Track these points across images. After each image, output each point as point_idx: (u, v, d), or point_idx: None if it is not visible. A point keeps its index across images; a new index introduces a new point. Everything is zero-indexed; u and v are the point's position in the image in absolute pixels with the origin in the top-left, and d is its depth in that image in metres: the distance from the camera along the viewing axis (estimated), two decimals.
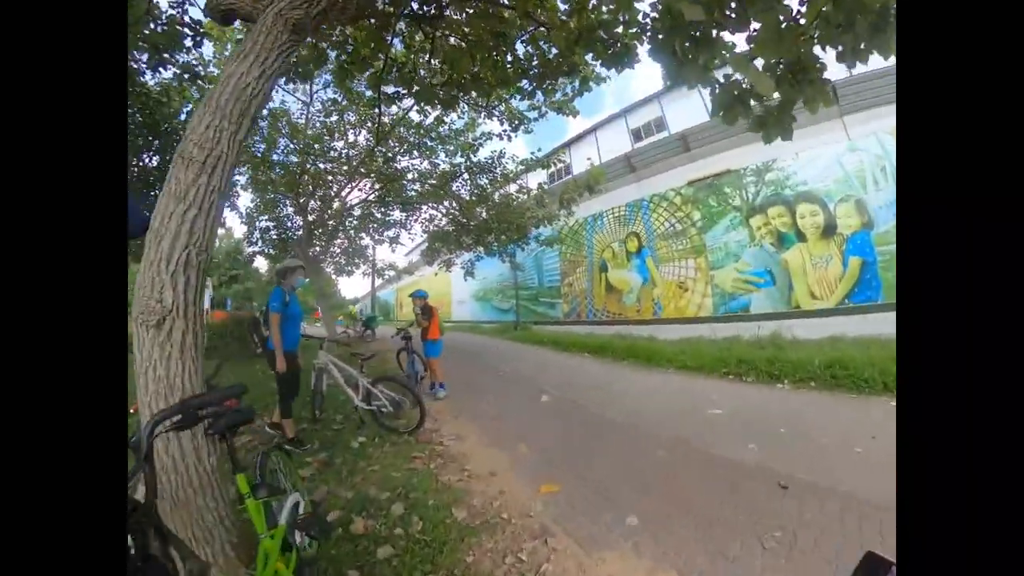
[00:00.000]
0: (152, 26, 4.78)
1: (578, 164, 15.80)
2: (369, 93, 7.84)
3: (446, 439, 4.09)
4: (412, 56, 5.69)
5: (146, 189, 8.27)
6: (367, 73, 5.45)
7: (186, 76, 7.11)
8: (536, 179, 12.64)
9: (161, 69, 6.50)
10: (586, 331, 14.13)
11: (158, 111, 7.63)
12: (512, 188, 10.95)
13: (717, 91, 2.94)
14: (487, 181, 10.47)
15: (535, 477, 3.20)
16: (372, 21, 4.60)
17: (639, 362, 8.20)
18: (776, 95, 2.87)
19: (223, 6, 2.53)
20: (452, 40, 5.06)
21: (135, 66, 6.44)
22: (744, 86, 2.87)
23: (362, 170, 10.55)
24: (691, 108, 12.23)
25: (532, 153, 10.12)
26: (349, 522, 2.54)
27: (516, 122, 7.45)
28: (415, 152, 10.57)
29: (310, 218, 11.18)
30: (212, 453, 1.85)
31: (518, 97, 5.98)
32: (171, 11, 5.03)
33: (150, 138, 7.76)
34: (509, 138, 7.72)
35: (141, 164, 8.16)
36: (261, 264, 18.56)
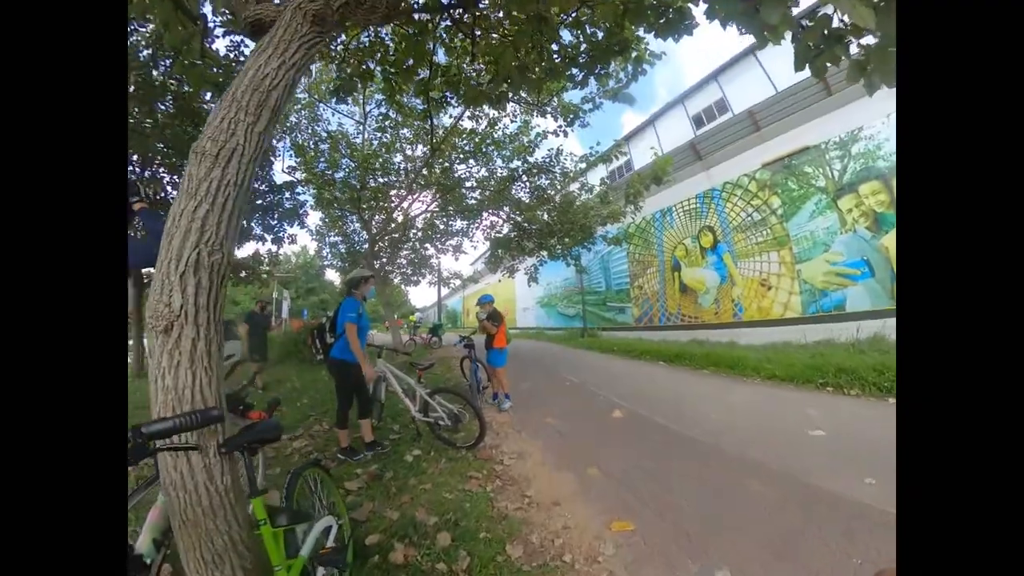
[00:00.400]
0: (213, 70, 5.12)
1: (639, 159, 15.01)
2: (422, 106, 8.00)
3: (507, 457, 3.77)
4: (455, 60, 5.60)
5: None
6: (415, 81, 5.42)
7: None
8: (597, 176, 12.14)
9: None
10: (659, 337, 13.28)
11: None
12: (573, 187, 10.53)
13: (800, 36, 2.41)
14: (546, 181, 10.17)
15: (605, 509, 2.78)
16: (411, 31, 4.54)
17: (720, 371, 7.42)
18: (872, 39, 2.28)
19: (251, 18, 2.48)
20: (494, 36, 4.86)
21: (206, 107, 7.15)
22: (835, 24, 2.33)
23: (420, 182, 10.73)
24: (754, 82, 11.12)
25: (591, 148, 9.64)
26: (389, 549, 2.31)
27: (571, 116, 7.12)
28: (472, 160, 10.58)
29: (374, 231, 11.52)
30: (227, 472, 1.68)
31: (570, 86, 5.65)
32: (228, 54, 5.35)
33: None
34: (565, 133, 7.40)
35: None
36: (334, 277, 19.84)
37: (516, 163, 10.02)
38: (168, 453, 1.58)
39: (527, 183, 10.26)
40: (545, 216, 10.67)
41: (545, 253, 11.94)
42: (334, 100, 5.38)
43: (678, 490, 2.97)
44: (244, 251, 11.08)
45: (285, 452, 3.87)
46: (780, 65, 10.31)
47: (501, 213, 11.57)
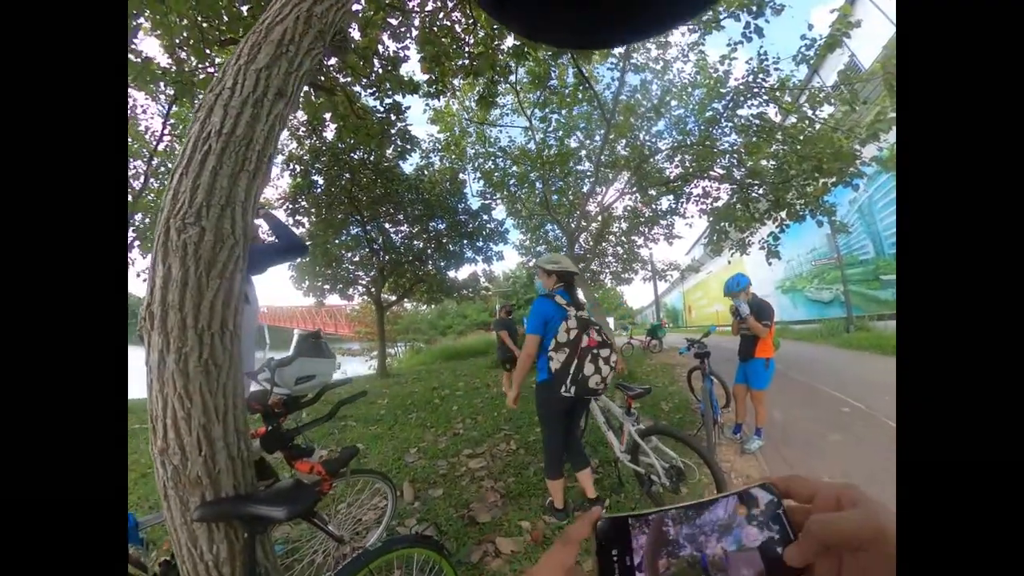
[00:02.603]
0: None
1: (864, 52, 10.37)
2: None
3: None
4: None
5: (438, 247, 10.66)
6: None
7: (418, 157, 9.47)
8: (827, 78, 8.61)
9: (408, 155, 8.41)
10: None
11: (429, 191, 10.05)
12: (800, 99, 7.45)
13: None
14: (757, 109, 7.44)
15: None
16: None
17: None
18: None
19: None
20: None
21: (404, 169, 9.41)
22: None
23: (606, 165, 9.74)
24: None
25: (802, 38, 6.25)
26: None
27: (755, 7, 5.00)
28: (655, 119, 8.93)
29: (573, 229, 10.97)
30: (219, 540, 1.13)
31: None
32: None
33: (436, 210, 10.36)
34: (758, 31, 5.22)
35: (431, 230, 11.00)
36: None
37: (715, 106, 7.89)
38: None
39: (733, 123, 7.88)
40: (770, 162, 7.97)
41: (783, 214, 8.77)
42: (496, 113, 5.21)
43: None
44: (462, 273, 12.40)
45: (457, 472, 3.40)
46: None
47: (713, 173, 9.32)
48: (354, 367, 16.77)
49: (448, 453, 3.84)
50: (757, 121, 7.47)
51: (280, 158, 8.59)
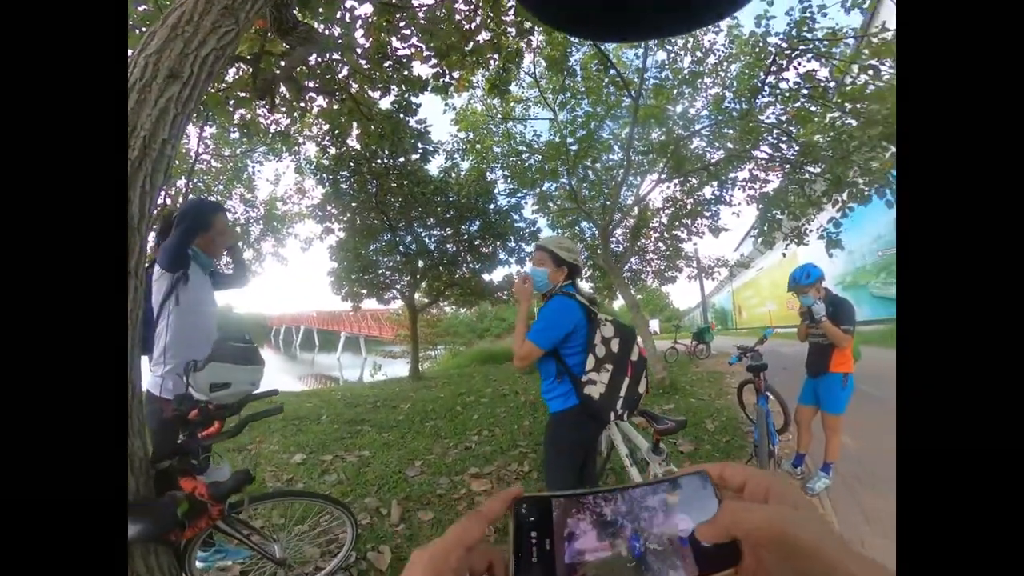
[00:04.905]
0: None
1: None
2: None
3: None
4: None
5: (471, 249, 10.38)
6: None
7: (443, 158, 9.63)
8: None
9: (430, 157, 8.61)
10: None
11: (457, 192, 10.05)
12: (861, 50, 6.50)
13: None
14: (802, 65, 6.44)
15: None
16: None
17: None
18: None
19: None
20: None
21: (432, 172, 9.42)
22: None
23: (637, 150, 9.18)
24: None
25: None
26: None
27: None
28: (686, 91, 8.26)
29: (607, 222, 10.41)
30: None
31: None
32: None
33: (467, 212, 10.32)
34: None
35: (463, 232, 10.93)
36: (584, 286, 20.22)
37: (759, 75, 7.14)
38: None
39: (779, 91, 7.05)
40: (826, 136, 7.08)
41: (843, 196, 7.54)
42: (505, 107, 4.94)
43: None
44: (496, 276, 12.27)
45: (456, 493, 3.10)
46: None
47: (761, 151, 8.43)
48: (395, 369, 17.07)
49: (453, 470, 3.56)
50: (806, 86, 6.49)
51: (309, 166, 8.91)
